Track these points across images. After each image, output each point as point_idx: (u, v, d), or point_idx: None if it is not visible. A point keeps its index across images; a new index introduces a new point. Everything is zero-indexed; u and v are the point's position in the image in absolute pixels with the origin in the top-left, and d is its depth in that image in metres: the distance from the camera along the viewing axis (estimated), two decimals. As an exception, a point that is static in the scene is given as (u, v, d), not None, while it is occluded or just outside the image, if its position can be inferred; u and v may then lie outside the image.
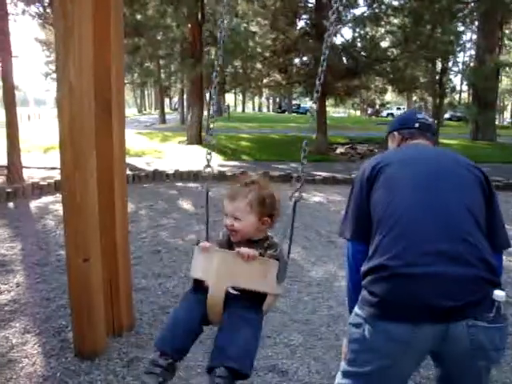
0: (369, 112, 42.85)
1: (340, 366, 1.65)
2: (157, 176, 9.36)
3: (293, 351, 2.94)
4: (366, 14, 13.49)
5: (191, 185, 9.04)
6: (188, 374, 2.64)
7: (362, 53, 13.74)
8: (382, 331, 1.44)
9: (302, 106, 47.88)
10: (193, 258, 1.72)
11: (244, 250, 1.59)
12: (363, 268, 1.54)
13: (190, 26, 14.26)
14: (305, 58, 15.68)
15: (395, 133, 1.91)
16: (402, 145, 1.87)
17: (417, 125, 1.86)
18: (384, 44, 14.96)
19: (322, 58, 1.76)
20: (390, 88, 18.51)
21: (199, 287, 1.66)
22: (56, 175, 8.40)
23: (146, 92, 54.94)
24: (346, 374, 1.59)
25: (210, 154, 1.86)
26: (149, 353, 2.84)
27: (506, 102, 49.92)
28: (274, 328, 3.18)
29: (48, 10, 11.01)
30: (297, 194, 1.63)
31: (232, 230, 1.70)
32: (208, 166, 1.88)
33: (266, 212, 1.70)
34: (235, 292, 1.60)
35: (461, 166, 1.64)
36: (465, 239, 1.46)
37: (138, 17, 12.49)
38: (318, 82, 1.78)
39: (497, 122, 20.80)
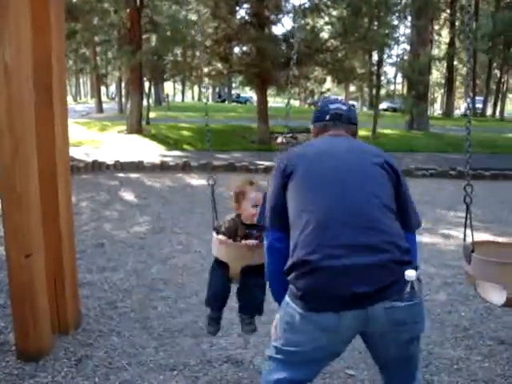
0: (308, 101, 43.54)
1: (271, 341, 1.74)
2: (96, 167, 9.03)
3: (247, 340, 2.92)
4: (306, 5, 13.60)
5: (133, 175, 8.79)
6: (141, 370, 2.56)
7: (303, 43, 13.86)
8: (311, 322, 1.54)
9: (241, 95, 47.79)
10: (213, 242, 2.32)
11: (250, 241, 2.23)
12: (287, 263, 1.61)
13: (128, 11, 13.77)
14: (245, 48, 15.62)
15: (311, 126, 1.98)
16: (318, 137, 1.93)
17: (328, 117, 1.89)
18: (324, 35, 15.18)
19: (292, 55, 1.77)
20: (329, 78, 18.87)
21: (221, 261, 2.30)
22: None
23: (81, 80, 52.75)
24: (278, 351, 1.67)
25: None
26: (97, 351, 2.73)
27: (435, 95, 52.40)
28: (228, 320, 3.15)
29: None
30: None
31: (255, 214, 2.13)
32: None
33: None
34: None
35: (368, 157, 1.72)
36: (374, 227, 1.55)
37: (74, 0, 11.90)
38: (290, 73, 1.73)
39: (429, 113, 21.74)
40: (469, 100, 2.16)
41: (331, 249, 1.52)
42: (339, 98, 2.50)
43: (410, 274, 1.49)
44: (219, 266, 2.31)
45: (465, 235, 2.05)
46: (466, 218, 1.99)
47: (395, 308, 1.50)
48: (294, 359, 1.64)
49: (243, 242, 2.24)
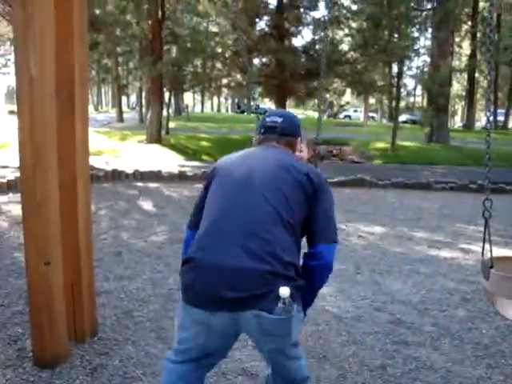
0: (327, 113, 43.48)
1: None
2: (116, 175, 9.13)
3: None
4: (326, 17, 13.66)
5: (152, 185, 8.86)
6: (155, 380, 2.55)
7: (323, 55, 13.88)
8: (190, 314, 1.66)
9: (260, 106, 47.99)
10: None
11: None
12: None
13: (149, 23, 14.00)
14: (265, 59, 15.73)
15: (253, 140, 2.04)
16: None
17: (262, 130, 1.95)
18: (344, 47, 15.21)
19: (321, 67, 1.78)
20: (348, 90, 18.84)
21: None
22: (8, 174, 8.03)
23: (102, 90, 53.63)
24: (178, 342, 1.76)
25: None
26: (113, 360, 2.74)
27: (456, 107, 51.86)
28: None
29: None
30: None
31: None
32: None
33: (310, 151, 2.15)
34: None
35: (280, 168, 1.74)
36: (261, 236, 1.59)
37: (97, 12, 12.14)
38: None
39: (449, 126, 21.51)
40: (488, 113, 2.13)
41: (213, 250, 1.61)
42: (286, 110, 2.56)
43: (283, 291, 1.52)
44: None
45: (483, 250, 2.01)
46: (485, 232, 1.96)
47: (263, 318, 1.55)
48: (185, 357, 1.73)
49: None
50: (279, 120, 1.94)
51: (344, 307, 3.62)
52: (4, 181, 7.49)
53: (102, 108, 52.67)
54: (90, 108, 46.79)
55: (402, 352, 2.96)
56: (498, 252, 2.17)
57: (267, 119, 1.96)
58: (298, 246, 1.72)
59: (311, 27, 14.26)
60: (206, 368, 1.82)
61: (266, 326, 1.57)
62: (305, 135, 2.06)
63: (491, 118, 2.19)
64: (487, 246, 1.97)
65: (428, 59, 20.28)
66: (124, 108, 34.35)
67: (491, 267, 1.93)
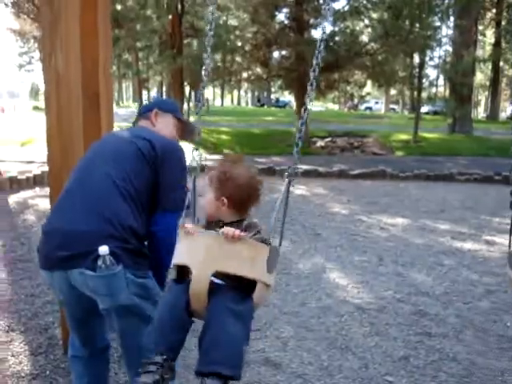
0: (347, 105, 43.10)
1: None
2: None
3: (284, 343, 2.93)
4: (346, 8, 13.51)
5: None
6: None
7: (342, 46, 13.77)
8: (43, 278, 1.85)
9: (280, 99, 47.85)
10: (176, 243, 1.56)
11: (227, 229, 1.43)
12: None
13: (169, 17, 14.07)
14: (284, 52, 15.65)
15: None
16: None
17: (138, 111, 2.18)
18: (364, 38, 15.03)
19: (314, 59, 1.68)
20: (369, 82, 18.64)
21: (182, 276, 1.53)
22: (34, 169, 8.21)
23: (123, 85, 54.14)
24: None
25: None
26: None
27: (479, 97, 50.83)
28: (265, 320, 3.18)
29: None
30: (289, 171, 1.53)
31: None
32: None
33: (224, 191, 1.54)
34: (219, 281, 1.45)
35: (126, 141, 1.85)
36: (98, 205, 1.69)
37: (118, 7, 12.26)
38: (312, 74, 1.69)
39: (472, 116, 21.11)
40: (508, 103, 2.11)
41: (55, 217, 1.78)
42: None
43: (102, 249, 1.60)
44: (178, 281, 1.54)
45: (510, 242, 1.99)
46: (512, 224, 1.94)
47: (86, 275, 1.63)
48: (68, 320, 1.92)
49: (220, 230, 1.46)
50: (150, 103, 2.19)
51: (367, 298, 3.63)
52: (31, 175, 7.66)
53: (123, 103, 53.21)
54: (112, 103, 47.31)
55: (425, 343, 2.96)
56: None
57: (147, 102, 2.19)
58: (139, 212, 1.75)
59: (331, 18, 14.11)
60: (88, 329, 1.93)
61: (90, 283, 1.65)
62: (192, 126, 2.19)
63: (504, 108, 2.15)
64: None
65: (450, 49, 19.95)
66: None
67: None
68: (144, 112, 2.11)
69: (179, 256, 1.53)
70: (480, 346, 2.94)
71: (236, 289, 1.45)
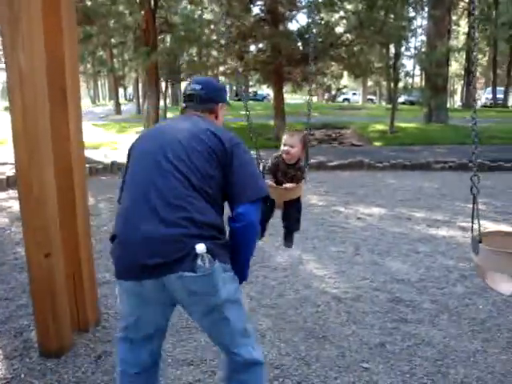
0: (325, 97, 43.28)
1: None
2: (114, 168, 9.14)
3: (262, 335, 2.95)
4: (320, 0, 13.51)
5: (151, 175, 8.87)
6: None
7: (318, 38, 13.78)
8: (124, 288, 1.75)
9: (258, 93, 47.74)
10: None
11: (288, 185, 2.94)
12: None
13: (142, 13, 13.89)
14: (261, 45, 15.60)
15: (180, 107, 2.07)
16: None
17: (184, 99, 2.01)
18: (339, 30, 15.06)
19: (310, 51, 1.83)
20: (345, 73, 18.72)
21: None
22: (7, 171, 8.06)
23: (99, 83, 53.36)
24: (122, 317, 1.88)
25: None
26: (116, 347, 2.78)
27: (455, 86, 51.47)
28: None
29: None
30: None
31: (288, 153, 2.91)
32: None
33: (303, 147, 2.98)
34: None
35: (192, 137, 1.77)
36: (174, 205, 1.65)
37: (89, 3, 12.04)
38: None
39: (448, 105, 21.39)
40: (481, 91, 2.15)
41: (132, 224, 1.68)
42: (210, 78, 2.61)
43: (200, 247, 1.59)
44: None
45: (472, 226, 2.04)
46: (473, 208, 1.98)
47: (186, 278, 1.61)
48: (131, 334, 1.83)
49: (284, 185, 2.91)
50: (198, 87, 1.96)
51: (343, 288, 3.66)
52: (3, 177, 7.53)
53: (99, 101, 52.46)
54: (87, 101, 46.52)
55: (401, 329, 3.01)
56: (497, 228, 2.20)
57: (188, 88, 1.98)
58: (216, 209, 1.75)
59: (305, 11, 14.10)
60: (152, 344, 1.88)
61: (190, 285, 1.63)
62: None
63: (485, 96, 2.19)
64: (476, 223, 2.00)
65: (426, 39, 20.10)
66: (122, 100, 34.23)
67: (480, 242, 1.96)
68: (203, 102, 1.96)
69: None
70: (454, 330, 3.00)
71: (293, 201, 3.13)
